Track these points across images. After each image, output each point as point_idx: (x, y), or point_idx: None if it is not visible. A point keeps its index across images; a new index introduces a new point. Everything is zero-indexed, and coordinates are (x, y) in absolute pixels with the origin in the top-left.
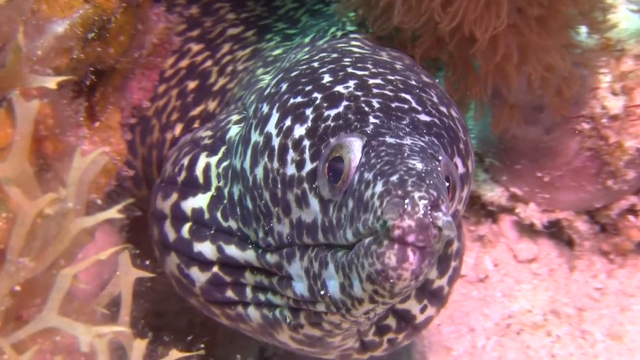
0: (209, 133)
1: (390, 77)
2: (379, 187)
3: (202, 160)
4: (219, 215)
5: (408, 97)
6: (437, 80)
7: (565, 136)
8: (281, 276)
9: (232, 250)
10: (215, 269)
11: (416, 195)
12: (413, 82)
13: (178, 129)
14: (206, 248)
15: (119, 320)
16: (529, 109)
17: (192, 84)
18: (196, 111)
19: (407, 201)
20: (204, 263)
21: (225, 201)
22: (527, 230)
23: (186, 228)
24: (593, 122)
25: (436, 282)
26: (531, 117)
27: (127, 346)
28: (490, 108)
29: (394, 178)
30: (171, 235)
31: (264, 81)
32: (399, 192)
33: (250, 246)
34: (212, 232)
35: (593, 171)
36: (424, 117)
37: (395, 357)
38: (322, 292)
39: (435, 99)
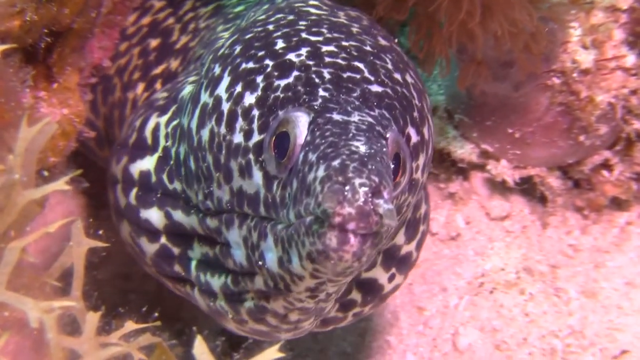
0: (164, 95)
1: (344, 43)
2: (320, 172)
3: (153, 121)
4: (164, 177)
5: (361, 65)
6: (396, 41)
7: (536, 92)
8: (222, 244)
9: (178, 215)
10: (163, 239)
11: (357, 182)
12: (368, 48)
13: (140, 87)
14: (153, 214)
15: (70, 293)
16: (497, 64)
17: (154, 42)
18: (158, 70)
19: (347, 188)
20: (152, 233)
21: (171, 162)
22: (498, 187)
23: (133, 193)
24: (564, 77)
25: (404, 247)
26: (500, 73)
27: (80, 320)
28: (457, 63)
29: (336, 163)
30: (122, 201)
31: (222, 39)
32: (340, 179)
33: (192, 210)
34: (159, 196)
35: (564, 126)
36: (375, 88)
37: (366, 317)
38: (259, 263)
39: (389, 66)
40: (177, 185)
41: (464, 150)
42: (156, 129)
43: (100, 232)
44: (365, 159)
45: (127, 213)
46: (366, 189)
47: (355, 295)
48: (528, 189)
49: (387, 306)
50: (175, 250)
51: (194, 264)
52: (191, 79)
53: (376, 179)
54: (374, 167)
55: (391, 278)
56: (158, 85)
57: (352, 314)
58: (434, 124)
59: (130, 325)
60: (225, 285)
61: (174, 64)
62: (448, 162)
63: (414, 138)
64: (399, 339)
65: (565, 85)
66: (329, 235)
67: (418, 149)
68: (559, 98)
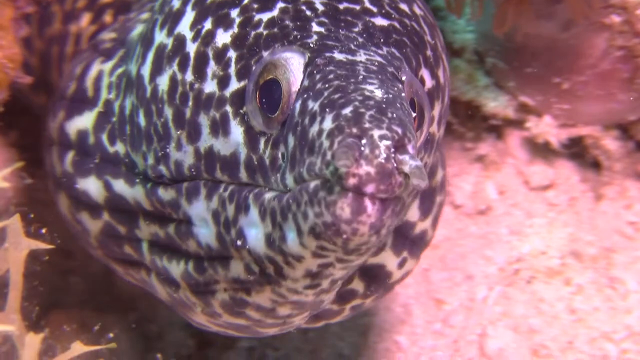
0: (112, 35)
1: None
2: (327, 123)
3: (95, 68)
4: (104, 137)
5: None
6: None
7: (590, 32)
8: (179, 220)
9: (120, 185)
10: (105, 215)
11: (376, 133)
12: None
13: (85, 19)
14: (91, 185)
15: (6, 308)
16: (541, 0)
17: None
18: None
19: (364, 141)
20: (92, 207)
21: (113, 118)
22: (541, 149)
23: (69, 158)
24: (625, 14)
25: (419, 225)
26: (545, 9)
27: (18, 343)
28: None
29: (347, 111)
30: (58, 168)
31: None
32: (354, 130)
33: (137, 179)
34: (97, 161)
35: (625, 75)
36: (380, 21)
37: (370, 310)
38: (238, 243)
39: None
40: (119, 148)
41: (498, 103)
42: (99, 78)
43: (43, 230)
44: (384, 105)
45: (63, 183)
46: (388, 142)
47: (357, 285)
48: (578, 152)
49: (397, 297)
50: (121, 229)
51: (145, 245)
52: (144, 16)
53: (399, 130)
54: (394, 115)
55: (402, 263)
56: (108, 18)
57: (350, 307)
58: (462, 69)
59: (78, 348)
60: (186, 274)
61: None
62: (478, 118)
63: (428, 82)
64: (411, 340)
65: (627, 25)
66: (340, 204)
67: (433, 96)
68: (619, 40)
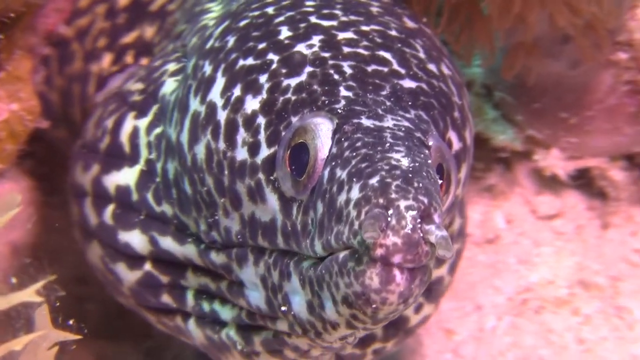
0: (139, 86)
1: (364, 28)
2: (355, 192)
3: (129, 123)
4: (149, 196)
5: (388, 56)
6: (424, 20)
7: (597, 68)
8: (231, 281)
9: (168, 243)
10: (147, 266)
11: (402, 204)
12: (394, 33)
13: (106, 60)
14: (135, 238)
15: None
16: (550, 41)
17: (123, 0)
18: (129, 38)
19: (391, 212)
20: (132, 258)
21: (157, 179)
22: (548, 180)
23: (109, 211)
24: (632, 50)
25: (434, 272)
26: (554, 49)
27: None
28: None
29: (374, 181)
30: (92, 218)
31: (210, 15)
32: (381, 201)
33: (189, 239)
34: (142, 217)
35: (632, 109)
36: (408, 83)
37: None
38: (283, 309)
39: (422, 54)
40: (166, 209)
41: (506, 136)
42: (134, 134)
43: (71, 322)
44: (410, 175)
45: (100, 233)
46: (414, 212)
47: (376, 329)
48: (585, 183)
49: None
50: (164, 279)
51: (190, 292)
52: (170, 67)
53: (425, 200)
54: (420, 184)
55: (418, 308)
56: (129, 59)
57: (372, 351)
58: (471, 103)
59: None
60: (239, 317)
61: (149, 31)
62: (487, 149)
63: (456, 145)
64: None
65: (634, 61)
66: (368, 274)
67: (460, 158)
68: (626, 76)
